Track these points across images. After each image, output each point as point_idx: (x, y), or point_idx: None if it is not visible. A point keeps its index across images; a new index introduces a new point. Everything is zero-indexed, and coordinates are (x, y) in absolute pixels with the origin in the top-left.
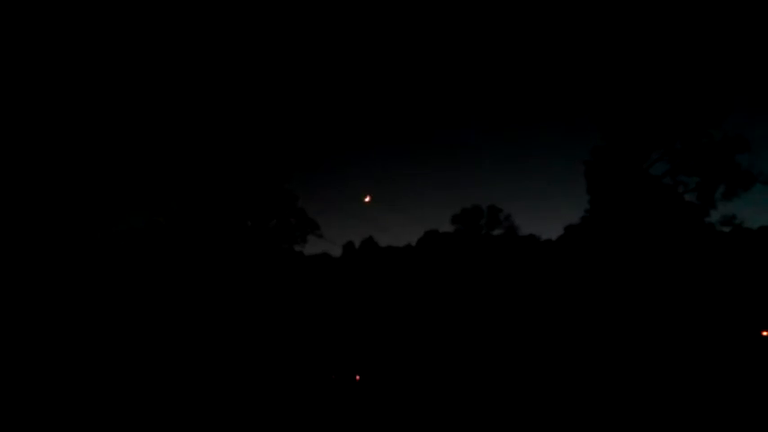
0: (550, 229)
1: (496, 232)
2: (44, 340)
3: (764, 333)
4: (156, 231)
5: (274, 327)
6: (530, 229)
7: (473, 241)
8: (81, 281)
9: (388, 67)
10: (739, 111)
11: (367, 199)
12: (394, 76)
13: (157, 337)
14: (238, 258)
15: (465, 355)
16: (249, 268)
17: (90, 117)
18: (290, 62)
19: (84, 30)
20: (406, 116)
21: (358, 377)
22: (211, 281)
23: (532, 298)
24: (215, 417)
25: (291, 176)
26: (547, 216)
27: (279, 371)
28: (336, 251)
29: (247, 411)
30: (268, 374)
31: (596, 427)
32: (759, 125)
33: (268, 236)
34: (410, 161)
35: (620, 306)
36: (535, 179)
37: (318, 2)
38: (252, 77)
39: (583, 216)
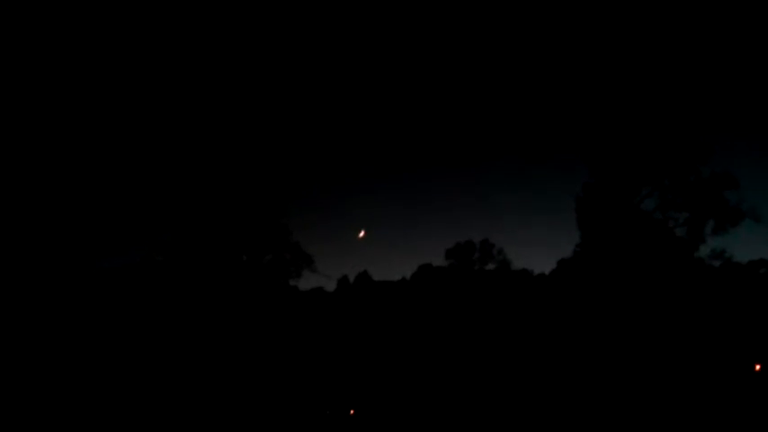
0: (543, 264)
1: (489, 266)
2: (38, 373)
3: (757, 367)
4: (152, 267)
5: (270, 362)
6: (522, 264)
7: (467, 275)
8: (78, 317)
9: (382, 101)
10: (729, 147)
11: (362, 234)
12: (388, 111)
13: (155, 371)
14: (234, 293)
15: (460, 390)
16: (244, 303)
17: (83, 148)
18: (285, 94)
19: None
20: (401, 151)
21: (353, 411)
22: (207, 316)
23: (527, 331)
24: None
25: (286, 211)
26: (539, 251)
27: (275, 405)
28: (331, 285)
29: None
30: (264, 409)
31: None
32: (749, 160)
33: (263, 270)
34: (405, 196)
35: (614, 339)
36: (527, 214)
37: (309, 40)
38: (247, 111)
39: (575, 250)
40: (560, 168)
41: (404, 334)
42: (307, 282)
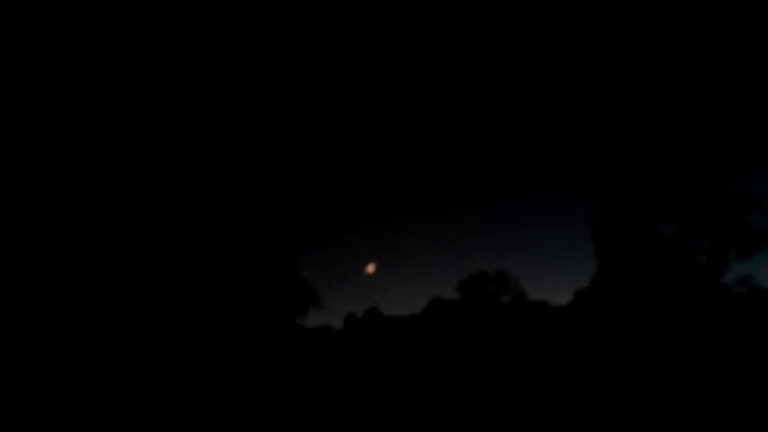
0: (559, 295)
1: (505, 299)
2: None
3: None
4: (155, 306)
5: (274, 404)
6: (538, 295)
7: (481, 308)
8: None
9: (395, 135)
10: (751, 167)
11: (370, 269)
12: (401, 145)
13: (156, 413)
14: (238, 332)
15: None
16: (248, 342)
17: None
18: (295, 128)
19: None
20: (411, 185)
21: None
22: (211, 354)
23: (545, 365)
24: None
25: (293, 247)
26: (555, 282)
27: None
28: (338, 322)
29: None
30: None
31: None
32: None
33: (268, 308)
34: (415, 229)
35: (636, 372)
36: (542, 245)
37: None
38: (257, 145)
39: (592, 280)
40: (576, 198)
41: (416, 370)
42: (314, 319)
